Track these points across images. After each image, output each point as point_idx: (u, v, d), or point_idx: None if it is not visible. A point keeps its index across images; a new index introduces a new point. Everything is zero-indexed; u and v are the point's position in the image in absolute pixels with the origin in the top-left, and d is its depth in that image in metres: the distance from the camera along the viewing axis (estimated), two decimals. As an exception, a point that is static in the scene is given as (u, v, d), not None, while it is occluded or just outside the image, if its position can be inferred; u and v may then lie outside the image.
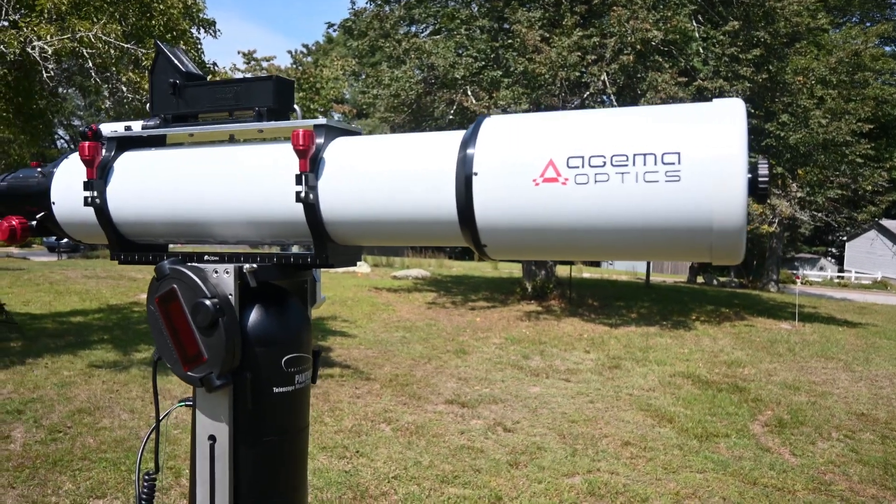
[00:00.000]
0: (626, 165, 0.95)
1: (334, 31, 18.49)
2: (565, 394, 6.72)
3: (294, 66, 23.24)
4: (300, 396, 1.27)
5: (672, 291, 18.34)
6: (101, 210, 1.34)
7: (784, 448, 5.40)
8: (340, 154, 1.19)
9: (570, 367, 8.03)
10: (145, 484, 1.37)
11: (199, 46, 9.15)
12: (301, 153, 1.13)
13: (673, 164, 0.93)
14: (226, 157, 1.31)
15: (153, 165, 1.36)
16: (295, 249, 1.35)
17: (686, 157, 0.92)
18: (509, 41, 12.59)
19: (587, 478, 4.46)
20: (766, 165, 0.96)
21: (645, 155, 0.94)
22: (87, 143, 1.32)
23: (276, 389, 1.21)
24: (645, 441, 5.31)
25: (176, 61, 1.37)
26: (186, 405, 1.28)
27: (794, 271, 26.51)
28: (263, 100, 1.29)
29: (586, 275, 23.96)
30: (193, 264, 1.20)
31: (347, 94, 29.82)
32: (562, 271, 15.84)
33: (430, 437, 5.09)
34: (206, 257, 1.28)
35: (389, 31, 13.87)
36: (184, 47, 8.35)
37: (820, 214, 21.03)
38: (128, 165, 1.37)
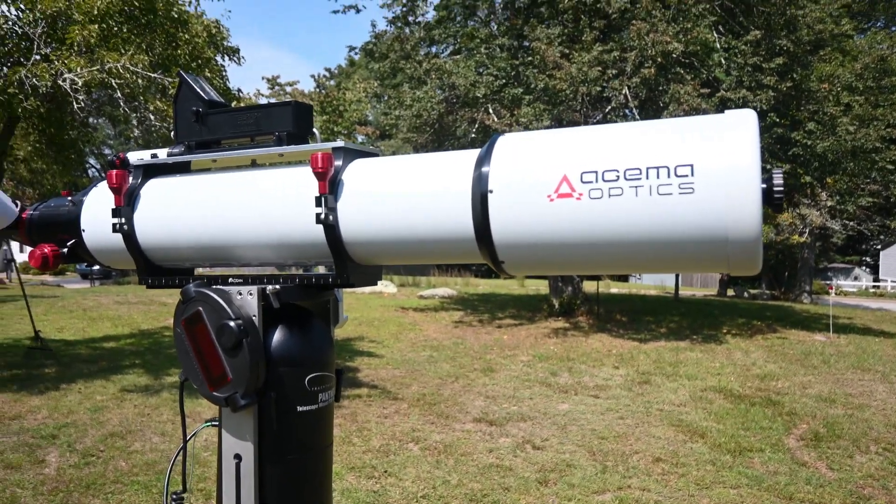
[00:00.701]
0: (640, 179, 0.96)
1: (356, 54, 18.79)
2: (594, 410, 6.64)
3: (317, 89, 23.60)
4: (324, 415, 1.29)
5: (702, 305, 18.06)
6: (129, 236, 1.38)
7: (821, 462, 5.26)
8: (358, 175, 1.22)
9: (598, 384, 7.94)
10: (173, 503, 1.40)
11: (224, 73, 9.37)
12: (320, 175, 1.16)
13: (686, 176, 0.93)
14: (247, 181, 1.35)
15: (178, 191, 1.40)
16: (321, 270, 1.38)
17: (699, 169, 0.93)
18: (529, 58, 12.66)
19: (618, 495, 4.39)
20: (781, 175, 0.96)
21: (658, 168, 0.95)
22: (114, 172, 1.37)
23: (299, 408, 1.23)
24: (676, 457, 5.22)
25: (198, 89, 1.41)
26: (213, 425, 1.31)
27: (828, 282, 25.93)
28: (283, 124, 1.33)
29: (614, 290, 23.73)
30: (218, 287, 1.23)
31: (370, 116, 30.17)
32: (589, 287, 15.72)
33: (458, 455, 5.07)
34: (230, 280, 1.31)
35: (410, 53, 14.06)
36: (209, 75, 8.55)
37: (852, 223, 20.62)
38: (154, 192, 1.41)
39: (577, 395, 7.30)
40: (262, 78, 22.16)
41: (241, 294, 1.22)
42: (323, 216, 1.16)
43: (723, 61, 11.83)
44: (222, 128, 1.40)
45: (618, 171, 0.97)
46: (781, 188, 0.95)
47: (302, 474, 1.27)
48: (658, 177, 0.95)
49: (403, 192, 1.17)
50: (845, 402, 7.28)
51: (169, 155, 1.45)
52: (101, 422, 5.69)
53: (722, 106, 10.93)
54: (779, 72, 11.41)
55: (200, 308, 1.19)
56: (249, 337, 1.16)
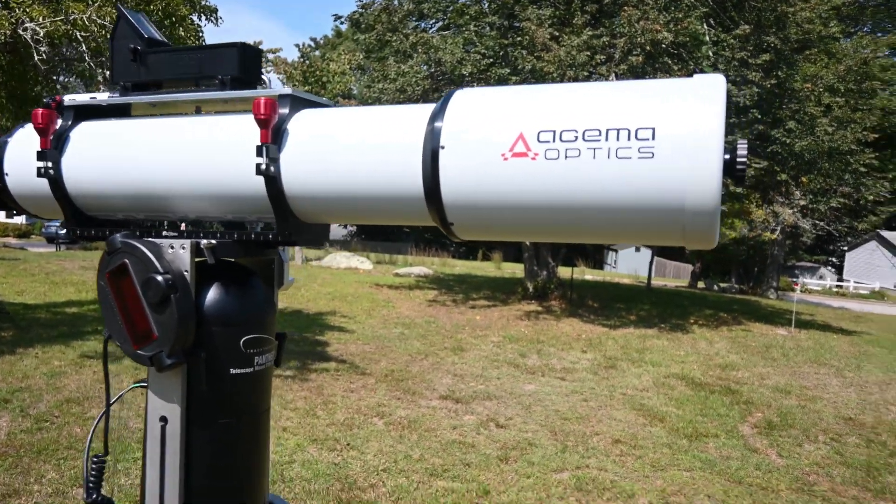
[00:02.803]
0: (599, 140, 0.90)
1: (343, 23, 18.50)
2: (560, 392, 6.76)
3: (301, 59, 23.24)
4: (260, 379, 1.22)
5: (673, 295, 18.35)
6: (56, 181, 1.29)
7: (771, 449, 5.45)
8: (305, 125, 1.15)
9: (566, 367, 8.07)
10: (93, 467, 1.34)
11: (200, 34, 9.04)
12: (262, 122, 1.08)
13: (647, 140, 0.88)
14: (186, 127, 1.27)
15: (111, 135, 1.32)
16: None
17: (660, 134, 0.88)
18: (518, 38, 12.58)
19: (575, 474, 4.50)
20: (745, 146, 0.92)
21: (618, 130, 0.90)
22: (40, 111, 1.26)
23: (233, 371, 1.17)
24: (635, 439, 5.36)
25: (137, 25, 1.32)
26: (143, 386, 1.24)
27: (794, 279, 26.47)
28: (228, 68, 1.24)
29: (588, 276, 23.99)
30: (148, 239, 1.16)
31: (355, 89, 29.82)
32: (564, 272, 15.86)
33: (422, 431, 5.14)
34: (164, 232, 1.25)
35: (398, 26, 13.86)
36: (183, 34, 8.24)
37: (822, 223, 21.00)
38: (85, 135, 1.32)
39: (543, 377, 7.42)
40: (245, 44, 21.69)
41: (172, 247, 1.14)
42: (264, 167, 1.09)
43: (711, 54, 11.88)
44: (163, 69, 1.30)
45: (576, 132, 0.92)
46: (744, 159, 0.91)
47: (232, 439, 1.21)
48: (618, 139, 0.90)
49: (352, 145, 1.11)
50: (800, 394, 7.52)
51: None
52: (57, 387, 5.57)
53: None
54: (764, 68, 11.51)
55: (126, 260, 1.12)
56: (178, 293, 1.09)
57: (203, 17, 9.28)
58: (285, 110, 1.15)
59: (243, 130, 1.15)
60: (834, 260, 43.92)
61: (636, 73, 11.71)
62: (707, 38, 12.02)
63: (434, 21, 15.60)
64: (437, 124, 1.01)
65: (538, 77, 11.93)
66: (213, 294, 1.17)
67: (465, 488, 4.11)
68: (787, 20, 11.77)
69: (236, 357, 1.17)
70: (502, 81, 12.70)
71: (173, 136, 1.26)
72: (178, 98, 1.29)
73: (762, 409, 6.72)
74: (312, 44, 45.21)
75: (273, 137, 1.10)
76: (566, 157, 0.92)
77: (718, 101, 0.88)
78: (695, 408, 6.51)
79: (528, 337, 9.98)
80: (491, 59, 13.07)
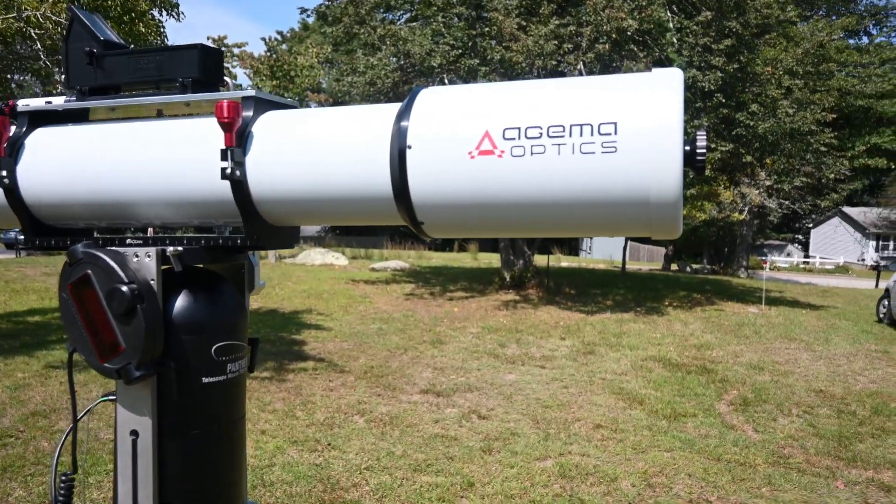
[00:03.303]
0: (563, 137, 0.92)
1: (309, 16, 18.29)
2: (540, 380, 6.82)
3: (268, 53, 22.91)
4: (233, 386, 1.21)
5: (647, 279, 18.58)
6: (11, 190, 1.25)
7: (747, 425, 5.57)
8: (270, 127, 1.13)
9: (545, 354, 8.14)
10: (62, 486, 1.30)
11: (162, 30, 8.83)
12: (226, 126, 1.07)
13: (609, 134, 0.90)
14: (148, 131, 1.24)
15: (69, 142, 1.28)
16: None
17: (622, 128, 0.90)
18: (486, 29, 12.57)
19: (559, 461, 4.55)
20: (705, 137, 0.95)
21: (581, 126, 0.92)
22: None
23: (205, 379, 1.15)
24: (616, 423, 5.43)
25: (93, 28, 1.28)
26: (110, 400, 1.21)
27: (763, 257, 27.03)
28: (188, 70, 1.21)
29: (564, 263, 24.17)
30: (112, 248, 1.13)
31: (324, 83, 29.53)
32: (540, 261, 15.97)
33: (403, 427, 5.15)
34: (127, 241, 1.21)
35: (365, 18, 13.74)
36: (143, 30, 8.01)
37: (787, 202, 21.45)
38: (41, 142, 1.28)
39: (523, 366, 7.47)
40: (208, 38, 21.32)
41: (137, 256, 1.11)
42: (229, 171, 1.07)
43: (675, 41, 12.01)
44: (121, 72, 1.27)
45: (541, 129, 0.94)
46: (704, 150, 0.93)
47: (207, 450, 1.19)
48: (581, 135, 0.92)
49: (319, 146, 1.10)
50: (772, 370, 7.70)
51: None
52: (22, 400, 5.36)
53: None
54: (727, 53, 11.68)
55: (89, 271, 1.09)
56: (145, 302, 1.07)
57: (164, 13, 9.05)
58: (249, 112, 1.14)
59: (207, 134, 1.13)
60: (800, 237, 45.01)
61: (603, 61, 11.79)
62: (671, 24, 12.13)
63: (401, 13, 15.51)
64: (404, 123, 1.01)
65: (507, 67, 11.95)
66: (181, 302, 1.14)
67: (449, 482, 4.13)
68: (747, 5, 11.95)
69: (208, 365, 1.15)
70: (472, 72, 12.70)
71: (135, 141, 1.23)
72: (139, 102, 1.26)
73: (737, 386, 6.86)
74: (279, 37, 44.62)
75: (237, 141, 1.09)
76: (532, 153, 0.94)
77: (676, 95, 0.90)
78: (672, 389, 6.62)
79: (506, 326, 10.04)
80: (460, 50, 13.04)
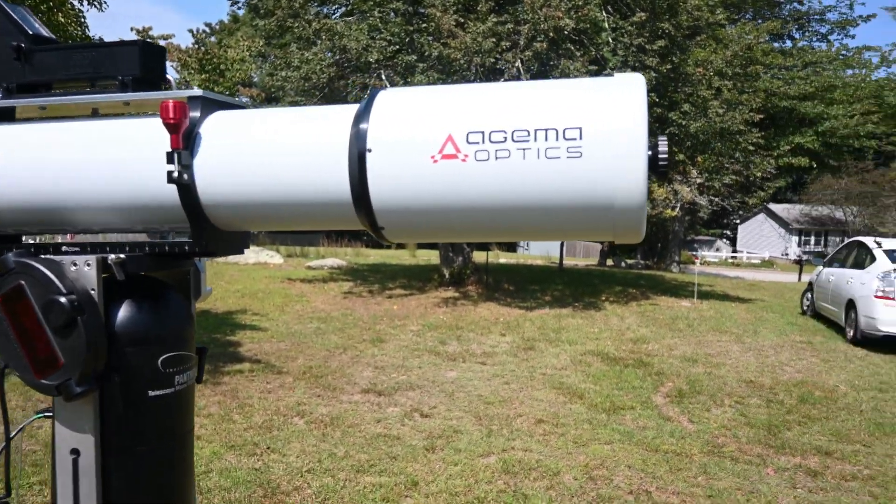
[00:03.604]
0: (528, 141, 0.92)
1: (240, 8, 17.74)
2: (481, 377, 6.81)
3: (196, 46, 22.13)
4: (181, 399, 1.15)
5: (584, 274, 18.95)
6: None
7: (683, 416, 5.72)
8: (219, 129, 1.08)
9: (486, 351, 8.15)
10: None
11: (82, 20, 8.38)
12: (172, 127, 1.01)
13: (574, 139, 0.90)
14: (86, 132, 1.16)
15: None
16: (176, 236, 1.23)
17: (587, 133, 0.90)
18: (424, 25, 12.50)
19: (502, 457, 4.54)
20: (666, 142, 0.95)
21: (546, 130, 0.91)
22: None
23: (152, 393, 1.09)
24: (557, 417, 5.47)
25: (21, 21, 1.20)
26: (45, 416, 1.14)
27: (694, 252, 28.07)
28: (128, 67, 1.14)
29: (503, 260, 24.38)
30: (47, 257, 1.06)
31: (255, 77, 28.82)
32: (479, 257, 16.02)
33: (345, 427, 5.03)
34: (63, 248, 1.14)
35: (299, 11, 13.43)
36: (62, 20, 7.64)
37: (717, 199, 22.35)
38: None
39: (465, 363, 7.45)
40: (131, 29, 20.40)
41: (76, 265, 1.05)
42: (176, 175, 1.02)
43: (610, 40, 12.23)
44: (52, 69, 1.19)
45: (505, 133, 0.93)
46: (666, 155, 0.94)
47: (154, 466, 1.13)
48: (546, 139, 0.91)
49: (272, 149, 1.05)
50: (705, 362, 7.95)
51: None
52: None
53: (607, 83, 11.29)
54: (660, 54, 12.00)
55: (22, 282, 1.02)
56: (85, 314, 1.00)
57: (84, 2, 8.60)
58: (196, 113, 1.07)
59: (150, 135, 1.07)
60: (728, 233, 47.05)
61: (541, 60, 11.91)
62: (606, 24, 12.36)
63: (336, 7, 15.24)
64: (363, 126, 0.98)
65: (445, 63, 11.92)
66: (124, 312, 1.08)
67: (393, 482, 4.05)
68: (679, 7, 12.31)
69: (155, 378, 1.09)
70: (409, 68, 12.61)
71: (70, 142, 1.15)
72: (76, 101, 1.17)
73: (672, 378, 7.04)
74: (208, 29, 43.30)
75: (184, 142, 1.03)
76: (496, 158, 0.93)
77: (640, 100, 0.91)
78: (611, 382, 6.74)
79: (446, 324, 10.01)
80: (397, 46, 12.93)
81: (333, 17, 14.57)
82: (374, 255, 25.49)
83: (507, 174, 0.93)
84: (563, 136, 0.91)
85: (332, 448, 4.58)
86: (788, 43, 30.26)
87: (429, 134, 0.96)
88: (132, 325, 1.08)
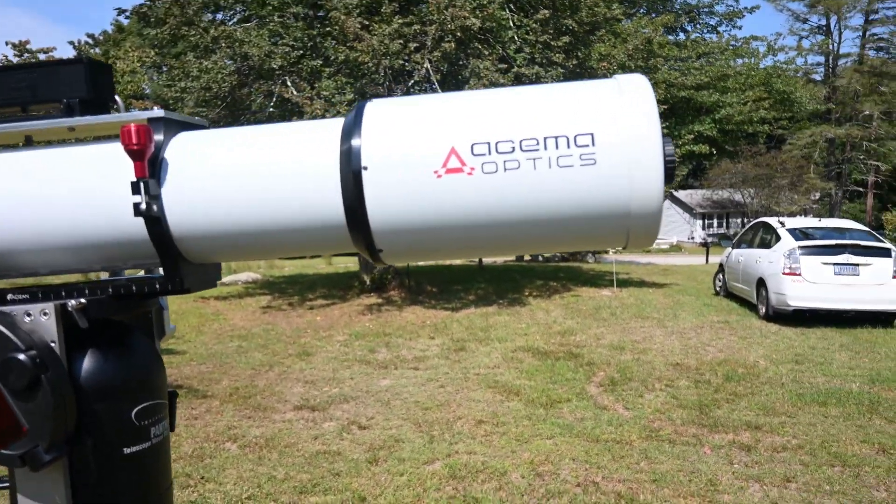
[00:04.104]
0: (538, 150, 0.87)
1: (127, 17, 16.78)
2: (416, 382, 6.69)
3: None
4: (159, 452, 1.04)
5: (504, 271, 19.17)
6: None
7: (618, 404, 5.82)
8: (187, 152, 0.97)
9: (417, 356, 8.03)
10: None
11: None
12: (136, 154, 0.90)
13: (587, 146, 0.86)
14: (27, 163, 1.02)
15: None
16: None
17: (600, 139, 0.86)
18: (327, 29, 12.24)
19: (447, 462, 4.45)
20: (671, 142, 0.93)
21: (556, 138, 0.87)
22: None
23: (126, 450, 0.98)
24: (496, 417, 5.44)
25: None
26: (4, 488, 1.01)
27: (607, 242, 29.02)
28: (74, 88, 1.01)
29: (421, 262, 24.32)
30: None
31: (147, 89, 27.51)
32: (398, 261, 15.83)
33: (281, 448, 4.79)
34: (9, 296, 0.99)
35: (193, 18, 12.83)
36: None
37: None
38: None
39: (397, 370, 7.31)
40: (7, 43, 18.96)
41: (30, 315, 0.92)
42: (144, 206, 0.91)
43: (516, 38, 12.41)
44: None
45: (513, 142, 0.87)
46: (673, 157, 0.91)
47: None
48: (557, 147, 0.87)
49: (250, 172, 0.95)
50: (632, 348, 8.17)
51: None
52: None
53: (517, 81, 11.48)
54: (565, 50, 12.28)
55: None
56: (50, 371, 0.88)
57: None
58: (159, 136, 0.96)
59: (109, 164, 0.95)
60: (636, 220, 49.15)
61: (450, 60, 11.92)
62: (511, 23, 12.53)
63: (232, 13, 14.68)
64: (355, 142, 0.90)
65: (353, 67, 11.71)
66: (91, 364, 0.95)
67: (339, 499, 3.88)
68: (580, 3, 12.65)
69: (129, 433, 0.98)
70: (315, 73, 12.33)
71: (12, 175, 1.00)
72: (10, 129, 1.02)
73: (603, 367, 7.18)
74: (90, 41, 40.96)
75: (150, 170, 0.92)
76: (505, 169, 0.88)
77: (650, 102, 0.88)
78: (545, 377, 6.78)
79: (373, 331, 9.82)
80: (301, 51, 12.60)
81: (230, 23, 14.02)
82: (289, 266, 24.80)
83: (517, 186, 0.88)
84: (575, 143, 0.87)
85: (270, 471, 4.34)
86: (682, 35, 31.96)
87: (430, 147, 0.90)
88: (99, 378, 0.96)
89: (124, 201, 0.93)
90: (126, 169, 0.92)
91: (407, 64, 12.02)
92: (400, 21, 11.47)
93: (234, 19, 14.56)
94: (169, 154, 0.97)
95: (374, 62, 11.21)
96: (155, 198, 0.93)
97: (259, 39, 12.20)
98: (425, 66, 11.64)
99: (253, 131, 1.04)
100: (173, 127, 1.01)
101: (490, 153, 0.88)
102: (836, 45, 38.43)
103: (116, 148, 0.92)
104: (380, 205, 0.90)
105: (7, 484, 0.96)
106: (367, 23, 11.71)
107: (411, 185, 0.89)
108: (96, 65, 1.05)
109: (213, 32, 12.35)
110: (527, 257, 26.33)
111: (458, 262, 25.36)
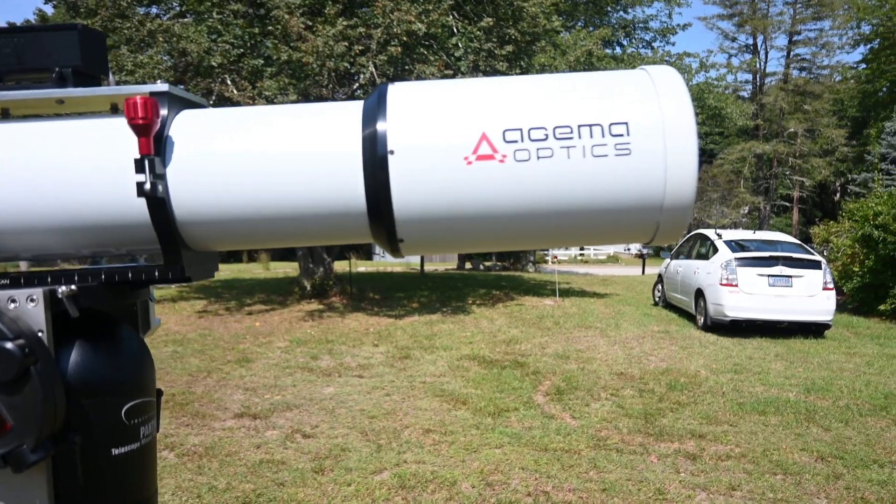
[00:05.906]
0: (571, 138, 0.84)
1: (53, 7, 15.94)
2: (361, 390, 6.55)
3: None
4: (147, 453, 0.98)
5: (446, 279, 19.15)
6: None
7: (565, 413, 5.84)
8: (193, 130, 0.90)
9: (361, 363, 7.88)
10: None
11: None
12: (141, 129, 0.82)
13: (622, 135, 0.84)
14: (17, 137, 0.92)
15: None
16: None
17: (634, 128, 0.84)
18: (269, 28, 11.96)
19: (395, 471, 4.35)
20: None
21: (591, 126, 0.84)
22: None
23: (115, 451, 0.92)
24: (444, 425, 5.36)
25: None
26: None
27: (546, 252, 29.48)
28: (66, 57, 0.93)
29: (362, 269, 24.05)
30: None
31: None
32: (339, 266, 15.61)
33: (222, 457, 4.57)
34: None
35: (126, 11, 12.30)
36: None
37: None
38: None
39: (341, 377, 7.14)
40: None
41: (15, 301, 0.85)
42: (148, 186, 0.84)
43: (460, 45, 12.43)
44: None
45: (546, 130, 0.84)
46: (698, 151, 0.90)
47: None
48: (591, 136, 0.84)
49: (262, 154, 0.89)
50: (577, 357, 8.24)
51: None
52: None
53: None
54: (509, 59, 12.38)
55: None
56: (39, 362, 0.80)
57: None
58: (164, 112, 0.89)
59: (109, 139, 0.89)
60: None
61: (395, 64, 11.83)
62: (456, 29, 12.56)
63: (167, 8, 14.17)
64: (381, 126, 0.85)
65: (296, 68, 11.47)
66: (79, 356, 0.89)
67: (284, 514, 3.71)
68: (522, 13, 12.80)
69: (119, 432, 0.92)
70: (256, 72, 12.02)
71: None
72: (8, 97, 0.94)
73: (549, 376, 7.21)
74: (13, 31, 38.81)
75: (156, 148, 0.86)
76: (538, 157, 0.84)
77: (684, 91, 0.86)
78: (491, 385, 6.75)
79: (315, 338, 9.59)
80: (241, 50, 12.25)
81: (163, 17, 13.51)
82: (225, 271, 24.06)
83: (550, 175, 0.85)
84: (610, 132, 0.84)
85: (210, 481, 4.13)
86: (619, 50, 32.90)
87: (460, 133, 0.85)
88: (89, 372, 0.89)
89: (125, 180, 0.86)
90: (126, 145, 0.86)
91: (352, 67, 11.85)
92: (345, 23, 11.31)
93: (168, 14, 14.05)
94: (174, 132, 0.90)
95: (318, 63, 11.01)
96: (160, 177, 0.86)
97: (198, 35, 11.80)
98: (370, 69, 11.51)
99: (266, 111, 0.98)
100: (176, 103, 0.94)
101: (522, 140, 0.84)
102: (762, 63, 40.33)
103: (114, 123, 0.87)
104: (406, 192, 0.85)
105: None
106: (310, 23, 11.50)
107: (440, 171, 0.85)
108: (90, 32, 0.98)
109: (149, 26, 11.87)
110: (468, 265, 26.44)
111: (398, 269, 25.22)
